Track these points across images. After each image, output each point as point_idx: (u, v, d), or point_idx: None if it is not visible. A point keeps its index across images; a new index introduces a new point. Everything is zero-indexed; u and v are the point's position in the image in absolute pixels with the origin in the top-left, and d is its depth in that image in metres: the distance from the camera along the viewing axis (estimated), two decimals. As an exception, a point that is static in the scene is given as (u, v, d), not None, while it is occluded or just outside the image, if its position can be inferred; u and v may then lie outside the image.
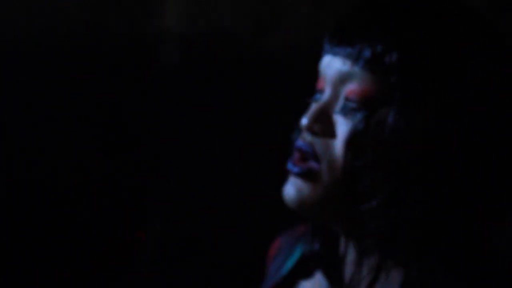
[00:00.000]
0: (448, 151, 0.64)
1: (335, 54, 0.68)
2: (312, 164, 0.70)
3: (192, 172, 2.41)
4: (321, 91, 0.72)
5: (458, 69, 0.64)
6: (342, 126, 0.68)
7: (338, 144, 0.67)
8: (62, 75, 2.23)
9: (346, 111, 0.68)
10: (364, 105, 0.66)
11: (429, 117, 0.64)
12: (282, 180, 0.72)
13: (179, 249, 2.39)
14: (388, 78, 0.64)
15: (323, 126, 0.69)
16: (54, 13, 2.22)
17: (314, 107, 0.70)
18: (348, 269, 0.74)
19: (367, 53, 0.64)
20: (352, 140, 0.66)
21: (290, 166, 0.71)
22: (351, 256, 0.74)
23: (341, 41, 0.67)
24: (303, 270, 0.79)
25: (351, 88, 0.67)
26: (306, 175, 0.69)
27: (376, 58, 0.64)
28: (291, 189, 0.71)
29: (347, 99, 0.68)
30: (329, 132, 0.68)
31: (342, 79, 0.68)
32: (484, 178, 0.65)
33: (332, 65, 0.69)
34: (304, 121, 0.70)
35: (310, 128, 0.69)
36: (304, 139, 0.70)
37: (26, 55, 2.19)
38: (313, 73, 0.75)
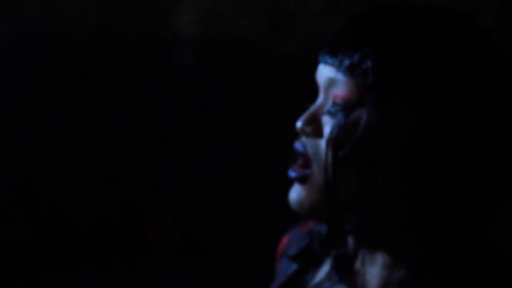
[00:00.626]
0: (418, 146, 0.71)
1: (325, 63, 0.78)
2: (307, 170, 0.78)
3: (204, 171, 2.42)
4: (318, 97, 0.81)
5: (426, 71, 0.72)
6: (327, 127, 0.76)
7: (323, 142, 0.76)
8: (77, 77, 2.25)
9: (331, 113, 0.76)
10: (345, 107, 0.75)
11: (399, 114, 0.72)
12: (291, 179, 0.80)
13: (191, 248, 2.41)
14: (365, 81, 0.73)
15: (313, 127, 0.78)
16: (70, 17, 2.24)
17: (308, 111, 0.79)
18: (358, 263, 0.80)
19: (347, 61, 0.74)
20: (331, 138, 0.75)
21: (289, 171, 0.79)
22: (358, 250, 0.80)
23: (329, 52, 0.77)
24: (311, 262, 0.85)
25: (336, 92, 0.76)
26: (302, 179, 0.78)
27: (354, 65, 0.74)
28: (293, 193, 0.79)
29: (334, 102, 0.77)
30: (318, 132, 0.77)
31: (330, 84, 0.77)
32: (455, 171, 0.71)
33: (323, 72, 0.79)
34: (298, 123, 0.79)
35: (302, 130, 0.79)
36: (300, 141, 0.79)
37: (42, 58, 2.22)
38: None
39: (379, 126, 0.72)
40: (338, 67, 0.75)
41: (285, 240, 0.92)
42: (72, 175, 2.28)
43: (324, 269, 0.84)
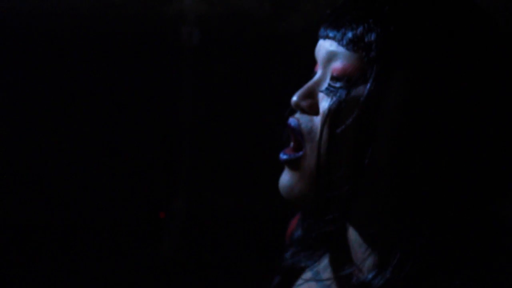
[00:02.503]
0: (419, 122, 0.68)
1: (325, 37, 0.75)
2: (298, 153, 0.74)
3: (211, 151, 2.42)
4: (315, 73, 0.77)
5: (430, 45, 0.69)
6: (324, 103, 0.73)
7: (319, 119, 0.72)
8: (82, 55, 2.25)
9: (329, 89, 0.73)
10: (345, 83, 0.71)
11: (401, 89, 0.69)
12: (282, 162, 0.76)
13: (198, 228, 2.41)
14: (368, 55, 0.70)
15: (309, 102, 0.74)
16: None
17: (304, 86, 0.76)
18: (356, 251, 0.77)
19: (349, 34, 0.71)
20: (329, 113, 0.71)
21: (281, 154, 0.75)
22: (354, 237, 0.77)
23: (330, 25, 0.74)
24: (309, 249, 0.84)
25: (335, 66, 0.72)
26: (293, 163, 0.73)
27: (357, 38, 0.70)
28: (283, 179, 0.75)
29: (332, 77, 0.73)
30: (314, 109, 0.73)
31: (329, 58, 0.74)
32: (454, 150, 0.68)
33: (322, 47, 0.75)
34: (294, 98, 0.75)
35: (297, 105, 0.75)
36: (294, 117, 0.75)
37: (46, 37, 2.21)
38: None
39: (380, 102, 0.69)
40: (340, 41, 0.72)
41: (294, 221, 0.90)
42: (81, 156, 2.28)
43: (322, 262, 0.82)
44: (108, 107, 2.31)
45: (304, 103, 0.74)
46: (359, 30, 0.70)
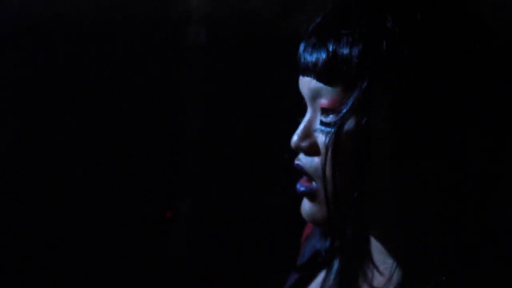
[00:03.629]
0: (414, 150, 0.68)
1: (303, 74, 0.74)
2: (313, 184, 0.74)
3: (219, 150, 2.41)
4: (307, 110, 0.77)
5: (412, 62, 0.67)
6: (320, 141, 0.73)
7: (320, 160, 0.72)
8: (89, 55, 2.25)
9: (322, 126, 0.72)
10: (336, 116, 0.70)
11: (387, 113, 0.68)
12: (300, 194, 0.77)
13: (206, 228, 2.41)
14: (348, 88, 0.69)
15: (308, 144, 0.74)
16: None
17: (300, 126, 0.76)
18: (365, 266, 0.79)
19: (324, 69, 0.70)
20: (326, 154, 0.71)
21: (298, 185, 0.76)
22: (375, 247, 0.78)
23: (304, 60, 0.73)
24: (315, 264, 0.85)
25: (321, 102, 0.72)
26: (309, 195, 0.74)
27: (333, 72, 0.69)
28: (305, 208, 0.76)
29: (322, 112, 0.73)
30: (314, 149, 0.74)
31: (314, 96, 0.73)
32: (447, 164, 0.68)
33: (303, 84, 0.75)
34: (293, 141, 0.75)
35: (297, 148, 0.75)
36: (298, 159, 0.76)
37: (47, 37, 2.21)
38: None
39: (371, 128, 0.68)
40: (318, 77, 0.71)
41: (310, 225, 0.90)
42: (87, 155, 2.28)
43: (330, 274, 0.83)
44: (114, 106, 2.30)
45: (303, 145, 0.74)
46: (333, 63, 0.69)
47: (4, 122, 2.20)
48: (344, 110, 0.69)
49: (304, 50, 0.73)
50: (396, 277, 0.73)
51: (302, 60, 0.73)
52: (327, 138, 0.71)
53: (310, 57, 0.72)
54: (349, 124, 0.69)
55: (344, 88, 0.69)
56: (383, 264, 0.75)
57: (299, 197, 0.76)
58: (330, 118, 0.71)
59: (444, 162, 0.67)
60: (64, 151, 2.26)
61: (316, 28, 0.72)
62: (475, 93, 0.67)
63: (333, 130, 0.70)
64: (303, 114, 0.79)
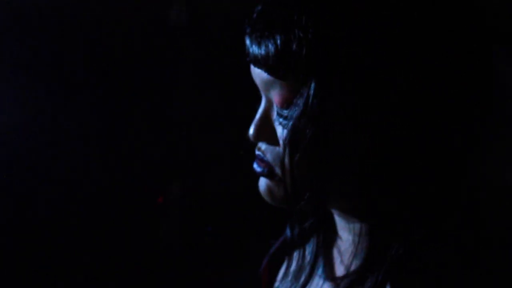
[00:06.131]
0: (367, 134, 0.67)
1: (253, 63, 0.72)
2: (271, 167, 0.74)
3: (209, 136, 2.41)
4: (262, 100, 0.76)
5: (354, 52, 0.65)
6: (279, 131, 0.72)
7: (280, 149, 0.71)
8: (74, 41, 2.24)
9: (279, 117, 0.71)
10: (291, 109, 0.69)
11: (341, 98, 0.66)
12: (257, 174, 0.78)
13: (197, 213, 2.41)
14: (298, 80, 0.67)
15: (266, 135, 0.73)
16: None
17: (256, 117, 0.75)
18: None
19: (272, 63, 0.67)
20: (285, 146, 0.70)
21: (255, 165, 0.75)
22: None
23: (252, 48, 0.71)
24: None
25: (275, 96, 0.70)
26: (269, 175, 0.74)
27: (281, 65, 0.67)
28: (262, 186, 0.76)
29: (276, 105, 0.71)
30: (273, 138, 0.73)
31: (267, 87, 0.72)
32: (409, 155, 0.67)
33: (255, 73, 0.73)
34: (250, 133, 0.75)
35: (256, 140, 0.74)
36: (258, 148, 0.75)
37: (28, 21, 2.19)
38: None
39: (326, 120, 0.67)
40: (268, 71, 0.69)
41: None
42: (77, 144, 2.28)
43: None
44: (103, 96, 2.30)
45: (261, 137, 0.74)
46: (283, 59, 0.67)
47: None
48: (299, 106, 0.67)
49: (251, 40, 0.70)
50: (359, 254, 0.73)
51: (251, 51, 0.70)
52: (285, 131, 0.70)
53: (259, 49, 0.69)
54: (305, 117, 0.68)
55: (296, 80, 0.67)
56: (346, 241, 0.76)
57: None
58: (286, 112, 0.70)
59: (398, 145, 0.67)
60: (54, 140, 2.26)
61: (261, 13, 0.69)
62: (416, 78, 0.65)
63: (290, 123, 0.69)
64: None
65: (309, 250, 0.83)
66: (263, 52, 0.68)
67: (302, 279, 0.81)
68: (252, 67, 0.73)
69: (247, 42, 0.71)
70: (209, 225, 2.37)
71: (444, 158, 0.68)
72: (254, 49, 0.70)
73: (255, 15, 0.71)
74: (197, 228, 2.38)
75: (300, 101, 0.67)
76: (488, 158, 0.71)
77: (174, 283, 2.33)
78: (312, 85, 0.66)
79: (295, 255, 0.84)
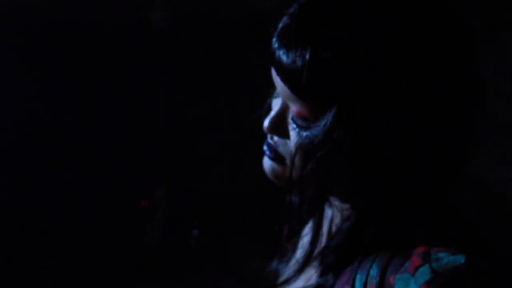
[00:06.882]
0: (372, 152, 0.68)
1: (276, 73, 0.73)
2: (280, 154, 0.78)
3: (195, 139, 2.41)
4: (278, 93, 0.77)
5: (371, 78, 0.66)
6: (293, 132, 0.74)
7: (292, 147, 0.74)
8: (64, 43, 2.23)
9: (294, 123, 0.74)
10: (305, 123, 0.72)
11: (361, 122, 0.68)
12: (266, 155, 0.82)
13: (181, 215, 2.42)
14: (315, 102, 0.69)
15: (280, 131, 0.76)
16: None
17: (272, 113, 0.76)
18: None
19: (294, 83, 0.69)
20: (296, 149, 0.73)
21: (265, 147, 0.78)
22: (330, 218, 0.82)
23: (275, 61, 0.71)
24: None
25: (293, 108, 0.72)
26: (276, 159, 0.77)
27: (301, 87, 0.68)
28: (267, 165, 0.79)
29: (292, 113, 0.74)
30: (286, 134, 0.75)
31: (287, 97, 0.73)
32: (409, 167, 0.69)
33: (277, 81, 0.73)
34: (265, 126, 0.77)
35: (270, 133, 0.77)
36: (271, 137, 0.78)
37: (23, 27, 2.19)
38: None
39: (342, 141, 0.68)
40: (289, 88, 0.70)
41: None
42: (66, 147, 2.28)
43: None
44: (86, 98, 2.30)
45: (276, 132, 0.76)
46: (308, 82, 0.68)
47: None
48: (319, 127, 0.70)
49: (279, 45, 0.70)
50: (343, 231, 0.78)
51: (277, 56, 0.70)
52: (299, 139, 0.73)
53: (286, 59, 0.69)
54: (323, 137, 0.70)
55: (316, 104, 0.69)
56: (335, 225, 0.80)
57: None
58: (301, 122, 0.72)
59: (398, 145, 0.68)
60: (40, 143, 2.26)
61: (294, 18, 0.68)
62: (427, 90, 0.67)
63: (305, 134, 0.72)
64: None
65: (305, 233, 0.87)
66: (289, 63, 0.69)
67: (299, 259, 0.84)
68: (273, 71, 0.72)
69: (275, 49, 0.71)
70: (195, 227, 2.38)
71: (444, 158, 0.70)
72: (280, 57, 0.70)
73: (286, 17, 0.71)
74: (182, 231, 2.38)
75: (320, 122, 0.69)
76: (473, 158, 0.73)
77: (160, 284, 2.34)
78: (334, 110, 0.68)
79: (294, 240, 0.89)
